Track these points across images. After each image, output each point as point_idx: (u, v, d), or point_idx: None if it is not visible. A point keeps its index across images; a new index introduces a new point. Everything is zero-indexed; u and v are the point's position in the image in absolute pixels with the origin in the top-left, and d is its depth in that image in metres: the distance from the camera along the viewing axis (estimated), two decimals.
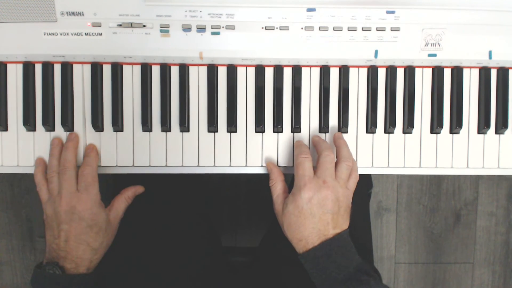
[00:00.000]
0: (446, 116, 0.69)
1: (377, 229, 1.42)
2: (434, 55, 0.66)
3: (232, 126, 0.67)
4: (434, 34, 0.65)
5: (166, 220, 0.75)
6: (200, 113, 0.67)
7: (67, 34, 0.63)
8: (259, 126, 0.67)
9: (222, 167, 0.68)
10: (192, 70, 0.67)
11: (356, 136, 0.69)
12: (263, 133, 0.68)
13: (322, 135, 0.68)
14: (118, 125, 0.66)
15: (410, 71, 0.69)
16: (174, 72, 0.67)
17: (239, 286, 0.80)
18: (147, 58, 0.65)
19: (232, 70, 0.67)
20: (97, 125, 0.66)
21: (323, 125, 0.68)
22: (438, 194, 1.42)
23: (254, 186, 1.37)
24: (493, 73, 0.69)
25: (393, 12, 0.64)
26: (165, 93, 0.66)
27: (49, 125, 0.66)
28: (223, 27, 0.64)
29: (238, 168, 0.68)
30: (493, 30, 0.66)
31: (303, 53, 0.65)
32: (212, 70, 0.67)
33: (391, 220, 1.43)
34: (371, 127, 0.68)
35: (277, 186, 0.64)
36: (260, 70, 0.67)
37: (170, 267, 0.72)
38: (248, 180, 1.36)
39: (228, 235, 1.38)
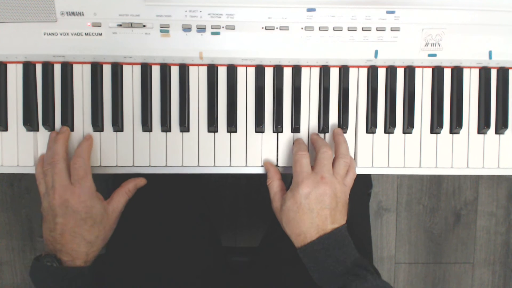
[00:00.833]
0: (446, 116, 0.69)
1: (377, 229, 1.42)
2: (434, 55, 0.66)
3: (232, 126, 0.67)
4: (434, 34, 0.65)
5: (166, 220, 0.75)
6: (200, 113, 0.67)
7: (67, 34, 0.63)
8: (259, 126, 0.67)
9: (222, 167, 0.68)
10: (192, 70, 0.67)
11: (356, 136, 0.69)
12: (263, 133, 0.68)
13: (322, 135, 0.68)
14: (118, 125, 0.66)
15: (410, 71, 0.69)
16: (174, 72, 0.67)
17: (239, 286, 0.80)
18: (147, 58, 0.65)
19: (232, 70, 0.67)
20: (97, 125, 0.66)
21: (323, 125, 0.68)
22: (438, 194, 1.42)
23: (254, 186, 1.37)
24: (493, 73, 0.69)
25: (393, 12, 0.64)
26: (165, 93, 0.66)
27: (49, 125, 0.66)
28: (223, 27, 0.64)
29: (238, 168, 0.68)
30: (493, 30, 0.66)
31: (303, 53, 0.65)
32: (212, 70, 0.67)
33: (391, 220, 1.43)
34: (371, 127, 0.68)
35: (274, 184, 0.64)
36: (260, 70, 0.67)
37: (170, 267, 0.72)
38: (248, 180, 1.36)
39: (228, 235, 1.38)
